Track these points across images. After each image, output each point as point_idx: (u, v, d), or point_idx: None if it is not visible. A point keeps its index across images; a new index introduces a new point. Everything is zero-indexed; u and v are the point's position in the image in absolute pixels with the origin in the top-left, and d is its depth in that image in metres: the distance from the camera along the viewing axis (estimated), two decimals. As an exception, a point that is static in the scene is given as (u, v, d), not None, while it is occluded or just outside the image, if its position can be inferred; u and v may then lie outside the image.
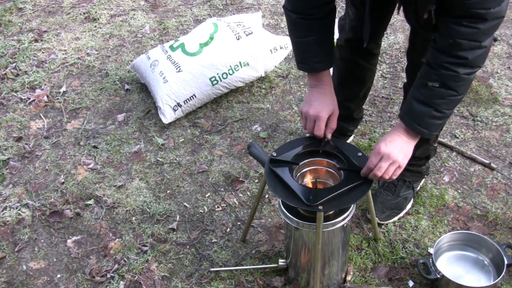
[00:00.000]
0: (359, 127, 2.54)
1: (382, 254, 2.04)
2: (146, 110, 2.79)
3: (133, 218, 2.25)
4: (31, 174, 2.49)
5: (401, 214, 2.16)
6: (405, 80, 2.02)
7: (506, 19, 3.23)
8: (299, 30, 1.69)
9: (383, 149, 1.57)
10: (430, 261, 1.89)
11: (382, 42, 3.07)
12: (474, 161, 2.39)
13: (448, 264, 1.97)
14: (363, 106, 2.41)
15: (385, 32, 2.08)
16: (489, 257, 1.96)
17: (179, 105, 2.64)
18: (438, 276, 1.85)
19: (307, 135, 1.82)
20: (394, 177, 1.61)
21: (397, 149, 1.57)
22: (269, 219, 2.21)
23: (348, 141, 2.46)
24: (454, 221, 2.15)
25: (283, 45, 2.83)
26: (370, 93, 2.76)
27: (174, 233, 2.18)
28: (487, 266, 1.95)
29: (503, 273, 1.81)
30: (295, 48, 1.75)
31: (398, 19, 3.28)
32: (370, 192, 1.80)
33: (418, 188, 2.24)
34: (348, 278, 1.95)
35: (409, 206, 2.18)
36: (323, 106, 1.71)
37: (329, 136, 1.75)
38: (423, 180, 2.27)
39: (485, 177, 2.32)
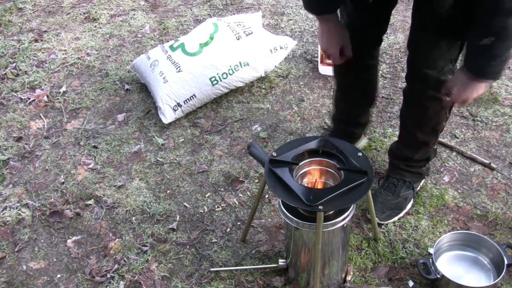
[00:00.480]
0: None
1: (382, 254, 2.04)
2: (146, 110, 2.79)
3: (133, 218, 2.25)
4: (31, 174, 2.49)
5: (401, 214, 2.16)
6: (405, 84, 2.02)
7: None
8: None
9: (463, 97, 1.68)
10: (430, 261, 1.89)
11: (382, 42, 3.07)
12: (474, 161, 2.39)
13: (448, 264, 1.97)
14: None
15: (382, 38, 2.08)
16: (489, 257, 1.96)
17: (179, 105, 2.64)
18: (438, 276, 1.85)
19: (307, 135, 1.82)
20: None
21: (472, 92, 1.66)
22: (269, 219, 2.21)
23: (359, 144, 2.42)
24: (454, 221, 2.15)
25: (283, 45, 2.83)
26: (370, 93, 2.76)
27: (174, 233, 2.18)
28: (487, 266, 1.95)
29: (503, 273, 1.81)
30: None
31: (398, 19, 3.28)
32: (370, 192, 1.81)
33: (418, 188, 2.24)
34: (348, 278, 1.95)
35: (409, 206, 2.18)
36: (330, 42, 1.86)
37: (348, 54, 1.89)
38: (423, 181, 2.27)
39: (485, 177, 2.32)
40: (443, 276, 1.83)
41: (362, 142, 2.45)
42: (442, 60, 1.78)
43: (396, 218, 2.15)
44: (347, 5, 1.91)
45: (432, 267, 1.88)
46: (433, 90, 1.85)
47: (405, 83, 1.99)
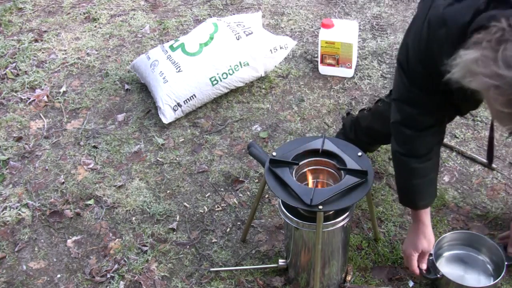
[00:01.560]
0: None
1: (382, 254, 2.04)
2: (146, 110, 2.79)
3: (133, 218, 2.25)
4: (31, 174, 2.49)
5: None
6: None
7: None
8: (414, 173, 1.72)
9: None
10: (430, 261, 1.89)
11: (382, 42, 3.07)
12: (474, 161, 2.39)
13: (448, 264, 1.97)
14: None
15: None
16: (489, 257, 1.96)
17: (179, 105, 2.64)
18: (438, 275, 1.85)
19: (307, 135, 1.82)
20: None
21: None
22: (269, 219, 2.21)
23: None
24: (454, 221, 2.15)
25: (283, 45, 2.83)
26: (370, 93, 2.76)
27: (174, 233, 2.18)
28: (487, 266, 1.95)
29: (503, 273, 1.81)
30: (406, 190, 1.78)
31: (398, 19, 3.28)
32: (370, 192, 1.81)
33: None
34: (348, 278, 1.95)
35: None
36: (428, 243, 1.80)
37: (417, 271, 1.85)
38: None
39: (485, 177, 2.32)
40: (443, 275, 1.83)
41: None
42: None
43: None
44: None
45: (432, 267, 1.88)
46: None
47: None
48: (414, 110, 1.60)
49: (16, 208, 2.32)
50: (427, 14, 1.44)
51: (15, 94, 2.95)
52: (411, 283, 1.95)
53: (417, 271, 1.83)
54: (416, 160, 1.67)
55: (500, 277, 1.81)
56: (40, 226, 2.26)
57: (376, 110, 2.14)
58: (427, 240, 1.78)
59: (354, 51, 2.82)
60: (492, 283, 1.85)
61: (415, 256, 1.80)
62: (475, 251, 1.99)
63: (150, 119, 2.73)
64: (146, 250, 2.12)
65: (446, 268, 1.93)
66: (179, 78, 2.64)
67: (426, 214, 1.77)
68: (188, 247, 2.13)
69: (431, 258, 1.88)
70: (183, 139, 2.61)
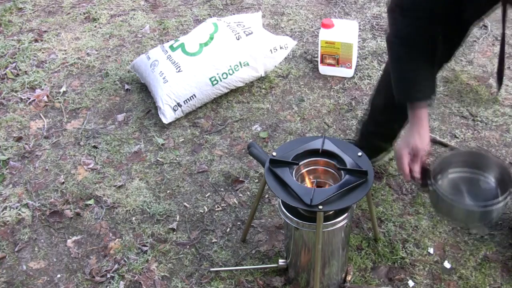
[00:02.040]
0: (358, 126, 2.54)
1: (382, 254, 2.04)
2: (146, 110, 2.79)
3: (133, 218, 2.25)
4: (31, 174, 2.49)
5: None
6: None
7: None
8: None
9: None
10: (427, 170, 1.68)
11: (382, 42, 3.07)
12: (474, 161, 2.39)
13: (450, 185, 1.75)
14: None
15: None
16: (495, 177, 1.72)
17: (179, 105, 2.64)
18: (430, 187, 1.65)
19: (307, 135, 1.82)
20: None
21: None
22: (269, 219, 2.21)
23: (386, 158, 2.36)
24: (454, 221, 2.15)
25: (283, 45, 2.83)
26: (370, 93, 2.76)
27: (174, 233, 2.18)
28: (492, 185, 1.72)
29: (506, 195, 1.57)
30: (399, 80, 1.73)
31: (398, 19, 3.28)
32: (370, 192, 1.81)
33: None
34: (348, 278, 1.95)
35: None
36: (423, 140, 1.67)
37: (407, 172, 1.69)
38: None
39: (485, 177, 2.32)
40: (435, 189, 1.62)
41: (390, 153, 2.37)
42: None
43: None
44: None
45: (426, 175, 1.67)
46: None
47: None
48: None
49: (16, 208, 2.32)
50: None
51: (15, 94, 2.95)
52: (411, 283, 1.95)
53: (407, 172, 1.66)
54: (410, 50, 1.63)
55: (505, 195, 1.57)
56: (40, 226, 2.26)
57: (371, 101, 2.21)
58: (421, 139, 1.65)
59: (354, 51, 2.82)
60: (494, 201, 1.58)
61: (407, 156, 1.66)
62: (480, 172, 1.74)
63: (150, 119, 2.73)
64: (146, 250, 2.12)
65: (447, 187, 1.72)
66: (179, 78, 2.64)
67: (424, 113, 1.66)
68: (188, 247, 2.13)
69: (433, 167, 1.69)
70: (183, 139, 2.61)
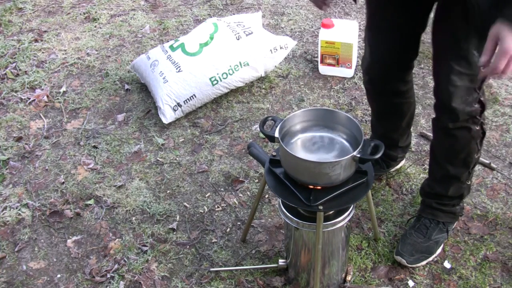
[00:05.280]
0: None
1: (382, 254, 2.04)
2: (146, 110, 2.79)
3: (133, 218, 2.25)
4: (31, 174, 2.49)
5: (430, 259, 2.00)
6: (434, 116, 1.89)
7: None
8: None
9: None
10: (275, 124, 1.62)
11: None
12: (474, 161, 2.39)
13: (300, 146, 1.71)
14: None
15: (413, 64, 2.00)
16: (346, 134, 1.69)
17: (179, 105, 2.64)
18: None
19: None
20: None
21: None
22: (269, 219, 2.21)
23: (399, 166, 2.34)
24: (454, 221, 2.15)
25: (283, 45, 2.83)
26: (370, 93, 2.76)
27: (174, 233, 2.18)
28: (344, 144, 1.69)
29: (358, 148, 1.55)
30: None
31: (398, 19, 3.28)
32: (370, 192, 1.81)
33: (450, 231, 2.08)
34: (348, 278, 1.95)
35: (439, 250, 2.03)
36: None
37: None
38: (456, 223, 2.10)
39: (485, 177, 2.32)
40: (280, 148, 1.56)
41: (402, 163, 2.36)
42: (468, 90, 1.71)
43: (424, 262, 1.99)
44: (376, 31, 1.87)
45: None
46: (461, 121, 1.77)
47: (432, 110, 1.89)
48: None
49: (16, 208, 2.32)
50: None
51: (15, 94, 2.95)
52: (411, 283, 1.95)
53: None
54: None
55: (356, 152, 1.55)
56: (40, 226, 2.26)
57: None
58: None
59: (354, 51, 2.82)
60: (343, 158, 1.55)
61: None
62: (330, 131, 1.71)
63: (150, 119, 2.73)
64: (146, 250, 2.12)
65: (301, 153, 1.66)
66: (179, 78, 2.64)
67: None
68: (188, 247, 2.13)
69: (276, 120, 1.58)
70: (183, 139, 2.61)
